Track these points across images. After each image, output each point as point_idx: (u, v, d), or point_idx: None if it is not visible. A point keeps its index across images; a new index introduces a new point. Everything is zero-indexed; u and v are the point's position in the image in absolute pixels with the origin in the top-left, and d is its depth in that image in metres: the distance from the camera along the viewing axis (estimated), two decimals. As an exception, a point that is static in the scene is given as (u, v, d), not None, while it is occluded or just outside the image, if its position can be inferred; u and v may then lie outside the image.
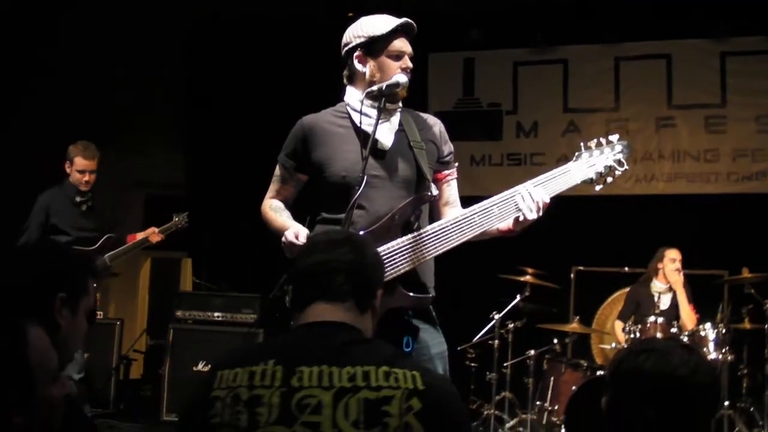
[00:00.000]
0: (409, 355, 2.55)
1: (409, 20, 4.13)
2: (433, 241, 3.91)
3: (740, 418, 7.70)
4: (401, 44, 4.11)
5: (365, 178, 3.76)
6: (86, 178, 7.29)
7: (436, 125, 4.34)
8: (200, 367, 8.03)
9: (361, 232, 3.88)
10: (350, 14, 9.69)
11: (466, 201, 4.23)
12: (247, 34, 10.65)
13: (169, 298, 8.69)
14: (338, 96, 4.29)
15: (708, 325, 7.72)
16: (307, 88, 9.63)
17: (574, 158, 4.16)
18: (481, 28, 10.46)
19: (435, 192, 4.04)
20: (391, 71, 4.06)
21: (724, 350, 7.59)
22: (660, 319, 7.76)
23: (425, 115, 4.37)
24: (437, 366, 3.99)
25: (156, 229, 7.62)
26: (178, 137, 11.04)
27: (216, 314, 8.27)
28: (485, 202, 3.97)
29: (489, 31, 10.48)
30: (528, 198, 3.93)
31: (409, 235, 3.91)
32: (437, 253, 3.93)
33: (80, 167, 7.26)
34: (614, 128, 10.10)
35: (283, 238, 3.91)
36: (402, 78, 3.99)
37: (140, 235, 7.62)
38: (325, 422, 2.31)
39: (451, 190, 4.33)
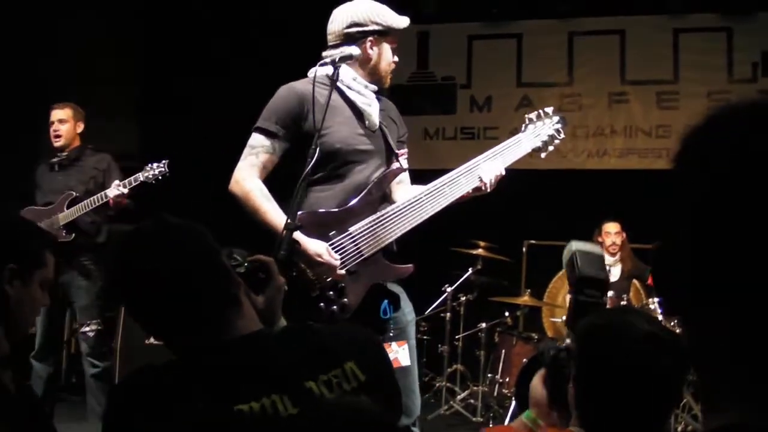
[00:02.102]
0: (338, 331, 2.35)
1: None
2: (409, 213, 4.11)
3: (688, 390, 7.80)
4: (397, 41, 4.40)
5: (317, 152, 3.86)
6: (54, 127, 6.94)
7: (394, 107, 4.53)
8: (152, 340, 8.00)
9: (337, 210, 4.03)
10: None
11: (420, 174, 4.49)
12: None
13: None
14: (296, 66, 4.36)
15: (656, 299, 7.80)
16: (265, 57, 9.63)
17: (522, 129, 4.56)
18: (436, 1, 10.45)
19: (405, 165, 4.31)
20: (387, 61, 4.34)
21: (672, 324, 7.66)
22: (610, 293, 7.83)
23: (383, 98, 4.49)
24: (410, 332, 4.20)
25: (118, 182, 6.67)
26: (132, 106, 10.94)
27: (168, 286, 8.20)
28: (453, 173, 4.23)
29: (443, 4, 10.47)
30: (489, 172, 4.23)
31: (387, 209, 4.11)
32: (415, 223, 4.11)
33: (51, 119, 6.98)
34: (567, 103, 10.20)
35: (322, 258, 3.90)
36: (355, 50, 4.15)
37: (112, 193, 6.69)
38: None
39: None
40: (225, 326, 2.21)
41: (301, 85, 4.18)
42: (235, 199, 4.08)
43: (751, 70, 9.96)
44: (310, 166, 3.79)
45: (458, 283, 8.62)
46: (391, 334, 4.09)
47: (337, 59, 4.06)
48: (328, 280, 3.92)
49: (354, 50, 4.14)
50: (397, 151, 4.32)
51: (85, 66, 9.87)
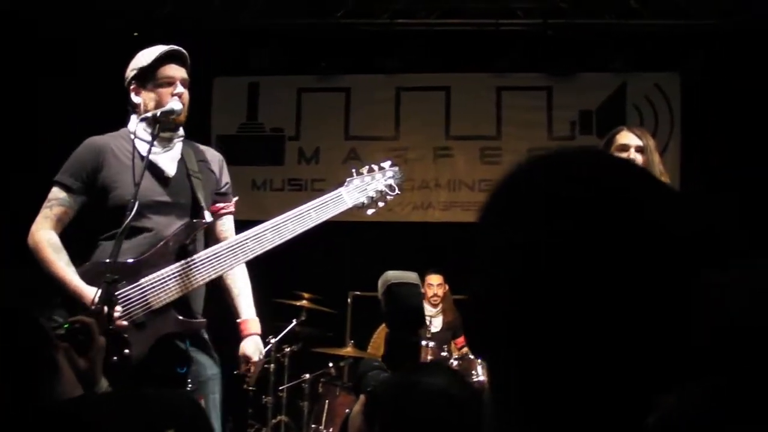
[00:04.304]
0: (163, 397, 2.32)
1: (175, 47, 4.23)
2: (205, 266, 4.05)
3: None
4: (170, 71, 4.19)
5: (136, 204, 3.81)
6: None
7: (217, 158, 4.47)
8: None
9: (130, 261, 3.96)
10: (135, 34, 9.65)
11: (248, 224, 4.37)
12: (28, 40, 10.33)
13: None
14: (117, 117, 4.33)
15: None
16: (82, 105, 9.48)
17: (346, 184, 4.38)
18: (267, 54, 10.47)
19: (209, 219, 4.19)
20: (163, 98, 4.15)
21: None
22: (431, 344, 7.94)
23: (206, 148, 4.48)
24: (211, 386, 4.18)
25: None
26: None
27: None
28: (258, 227, 4.15)
29: (274, 56, 10.49)
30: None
31: (182, 261, 4.03)
32: (210, 278, 4.07)
33: None
34: (393, 156, 10.21)
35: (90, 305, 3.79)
36: (177, 105, 4.10)
37: None
38: None
39: (227, 223, 4.46)
40: (40, 391, 2.13)
41: (100, 139, 4.18)
42: (30, 252, 4.03)
43: (569, 128, 10.34)
44: (129, 218, 3.74)
45: (282, 334, 8.59)
46: (189, 388, 4.04)
47: (158, 114, 4.03)
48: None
49: (176, 105, 4.10)
50: (203, 204, 4.22)
51: None
